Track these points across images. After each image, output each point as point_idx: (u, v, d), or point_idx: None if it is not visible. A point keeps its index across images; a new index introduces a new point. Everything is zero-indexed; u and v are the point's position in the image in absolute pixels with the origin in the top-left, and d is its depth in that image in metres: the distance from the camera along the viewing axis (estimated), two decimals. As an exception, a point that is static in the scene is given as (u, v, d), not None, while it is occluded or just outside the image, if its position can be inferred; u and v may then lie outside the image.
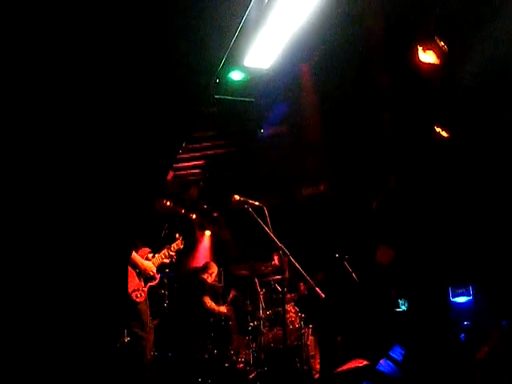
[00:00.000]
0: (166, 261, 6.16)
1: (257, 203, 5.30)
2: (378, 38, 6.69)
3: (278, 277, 7.14)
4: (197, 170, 9.09)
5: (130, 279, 5.60)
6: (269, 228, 5.13)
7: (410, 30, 6.76)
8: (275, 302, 7.22)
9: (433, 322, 8.13)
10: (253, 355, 6.73)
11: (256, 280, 7.06)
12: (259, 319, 6.76)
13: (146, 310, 5.67)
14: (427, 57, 6.79)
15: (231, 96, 6.43)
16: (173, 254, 6.24)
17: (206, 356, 6.73)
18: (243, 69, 5.94)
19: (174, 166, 8.50)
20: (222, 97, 6.32)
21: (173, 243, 6.30)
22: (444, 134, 7.87)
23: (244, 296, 7.39)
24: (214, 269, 8.01)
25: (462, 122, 7.75)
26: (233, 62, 5.43)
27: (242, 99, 6.50)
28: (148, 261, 5.86)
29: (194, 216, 6.71)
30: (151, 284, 5.85)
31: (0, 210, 3.92)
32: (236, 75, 6.23)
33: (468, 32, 6.74)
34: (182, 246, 6.40)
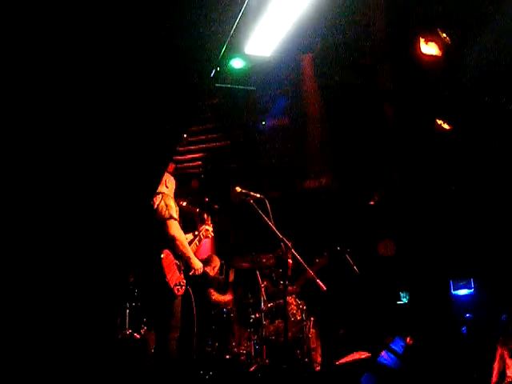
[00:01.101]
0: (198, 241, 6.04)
1: (258, 195, 5.27)
2: (380, 29, 6.67)
3: (279, 269, 7.13)
4: (198, 163, 9.09)
5: (172, 272, 5.36)
6: (270, 220, 5.11)
7: (412, 22, 6.74)
8: (277, 294, 7.21)
9: (434, 315, 8.13)
10: (254, 348, 6.72)
11: (257, 272, 7.05)
12: (261, 311, 6.76)
13: (179, 306, 5.44)
14: (429, 49, 6.77)
15: (232, 85, 6.39)
16: (210, 233, 6.12)
17: (208, 348, 6.73)
18: (244, 57, 5.89)
19: (175, 158, 8.50)
20: (222, 85, 6.27)
21: (203, 224, 6.16)
22: (446, 126, 7.86)
23: (245, 288, 7.38)
24: (217, 262, 7.98)
25: (465, 115, 7.74)
26: (234, 49, 5.39)
27: (243, 88, 6.46)
28: None
29: (198, 209, 6.70)
30: (190, 273, 5.65)
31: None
32: (237, 63, 6.16)
33: (470, 24, 6.72)
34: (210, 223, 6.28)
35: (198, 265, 5.57)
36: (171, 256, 5.42)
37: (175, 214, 5.34)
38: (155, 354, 6.21)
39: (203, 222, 6.21)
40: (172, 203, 5.41)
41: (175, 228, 5.28)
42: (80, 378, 6.06)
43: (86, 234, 6.60)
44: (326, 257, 7.38)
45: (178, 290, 5.36)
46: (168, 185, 5.72)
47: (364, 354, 6.07)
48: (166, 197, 5.47)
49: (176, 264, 5.46)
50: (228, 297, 7.44)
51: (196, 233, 6.07)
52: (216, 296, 7.45)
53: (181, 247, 5.34)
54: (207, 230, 6.15)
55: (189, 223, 6.36)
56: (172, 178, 5.85)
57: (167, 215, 5.26)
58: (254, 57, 5.82)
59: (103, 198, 6.22)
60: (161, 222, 5.25)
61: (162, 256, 5.30)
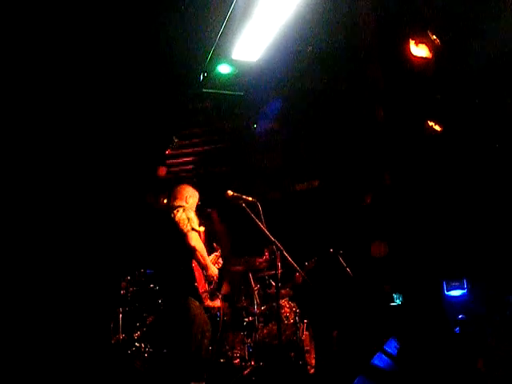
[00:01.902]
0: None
1: (250, 198, 5.28)
2: (371, 31, 6.69)
3: (272, 272, 7.13)
4: (190, 166, 9.09)
5: (200, 280, 5.65)
6: (262, 223, 5.12)
7: (402, 24, 6.76)
8: (270, 297, 7.21)
9: (427, 316, 8.14)
10: (248, 351, 6.72)
11: (250, 275, 7.05)
12: (254, 315, 6.75)
13: (199, 314, 5.64)
14: (419, 50, 6.79)
15: (220, 90, 6.40)
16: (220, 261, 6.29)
17: (202, 352, 6.71)
18: (231, 62, 5.90)
19: (167, 162, 8.50)
20: (210, 91, 6.28)
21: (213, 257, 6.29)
22: (437, 128, 7.88)
23: (239, 291, 7.37)
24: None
25: (455, 116, 7.76)
26: (220, 55, 5.39)
27: (231, 93, 6.47)
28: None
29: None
30: (212, 287, 5.94)
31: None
32: (224, 68, 6.19)
33: (460, 25, 6.74)
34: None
35: (214, 272, 5.84)
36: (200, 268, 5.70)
37: (196, 226, 5.56)
38: (150, 358, 6.24)
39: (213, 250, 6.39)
40: (193, 215, 5.64)
41: (195, 239, 5.48)
42: (73, 382, 6.06)
43: (76, 239, 6.59)
44: (313, 261, 7.39)
45: (204, 297, 5.65)
46: (189, 200, 5.95)
47: None
48: (188, 210, 5.70)
49: (204, 275, 5.75)
50: (217, 303, 7.42)
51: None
52: (208, 302, 7.42)
53: (200, 257, 5.55)
54: (216, 258, 6.30)
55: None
56: (196, 194, 6.09)
57: (189, 227, 5.47)
58: (241, 62, 5.83)
59: (93, 202, 6.22)
60: (183, 234, 5.45)
61: (194, 265, 5.58)
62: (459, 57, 6.99)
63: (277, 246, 5.04)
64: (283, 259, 5.18)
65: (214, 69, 5.99)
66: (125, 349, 6.67)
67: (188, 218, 5.55)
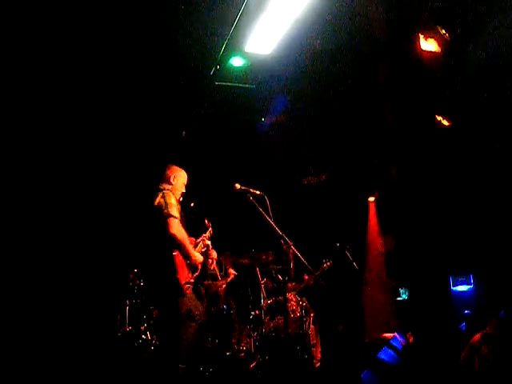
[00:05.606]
0: (203, 250, 5.94)
1: (258, 192, 5.25)
2: (380, 26, 6.66)
3: (279, 266, 7.14)
4: (199, 159, 9.07)
5: (183, 271, 5.28)
6: (270, 217, 5.10)
7: (412, 19, 6.74)
8: (276, 290, 7.22)
9: (434, 311, 8.14)
10: (254, 344, 6.74)
11: (257, 269, 7.06)
12: (260, 308, 6.77)
13: (187, 304, 5.29)
14: (429, 45, 6.77)
15: (232, 83, 6.38)
16: (209, 242, 6.03)
17: (208, 345, 6.74)
18: (244, 55, 5.90)
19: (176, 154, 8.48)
20: (222, 83, 6.27)
21: (206, 232, 6.09)
22: (445, 122, 7.86)
23: (245, 285, 7.37)
24: (214, 255, 7.91)
25: (464, 111, 7.74)
26: (234, 47, 5.38)
27: (243, 85, 6.46)
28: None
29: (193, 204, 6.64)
30: (196, 275, 5.63)
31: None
32: (237, 61, 6.21)
33: (470, 20, 6.71)
34: (212, 232, 6.21)
35: (198, 259, 5.45)
36: (181, 257, 5.34)
37: (176, 212, 5.18)
38: (157, 350, 6.22)
39: (205, 231, 6.14)
40: (173, 200, 5.25)
41: (175, 226, 5.12)
42: (80, 374, 6.09)
43: (85, 232, 6.60)
44: (330, 262, 7.37)
45: (186, 288, 5.27)
46: (175, 181, 5.55)
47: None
48: (167, 194, 5.31)
49: (187, 264, 5.37)
50: (221, 283, 7.29)
51: (197, 240, 5.97)
52: (209, 282, 7.29)
53: (181, 247, 5.21)
54: (208, 235, 6.07)
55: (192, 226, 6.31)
56: (182, 173, 5.67)
57: (166, 214, 5.11)
58: (253, 55, 5.82)
59: (102, 196, 6.21)
60: (161, 220, 5.12)
61: (175, 254, 5.21)
62: (468, 51, 6.97)
63: (285, 240, 5.04)
64: (289, 253, 5.20)
65: (227, 61, 5.98)
66: (131, 341, 6.68)
67: (167, 203, 5.16)
